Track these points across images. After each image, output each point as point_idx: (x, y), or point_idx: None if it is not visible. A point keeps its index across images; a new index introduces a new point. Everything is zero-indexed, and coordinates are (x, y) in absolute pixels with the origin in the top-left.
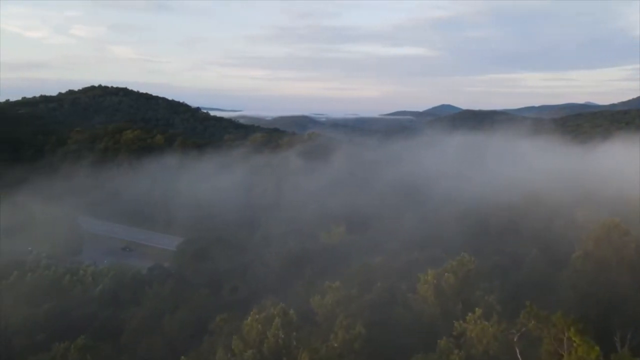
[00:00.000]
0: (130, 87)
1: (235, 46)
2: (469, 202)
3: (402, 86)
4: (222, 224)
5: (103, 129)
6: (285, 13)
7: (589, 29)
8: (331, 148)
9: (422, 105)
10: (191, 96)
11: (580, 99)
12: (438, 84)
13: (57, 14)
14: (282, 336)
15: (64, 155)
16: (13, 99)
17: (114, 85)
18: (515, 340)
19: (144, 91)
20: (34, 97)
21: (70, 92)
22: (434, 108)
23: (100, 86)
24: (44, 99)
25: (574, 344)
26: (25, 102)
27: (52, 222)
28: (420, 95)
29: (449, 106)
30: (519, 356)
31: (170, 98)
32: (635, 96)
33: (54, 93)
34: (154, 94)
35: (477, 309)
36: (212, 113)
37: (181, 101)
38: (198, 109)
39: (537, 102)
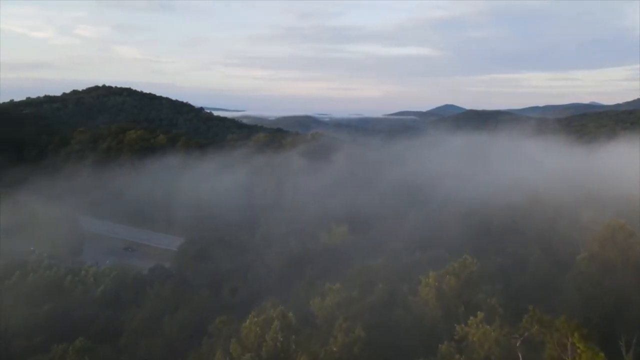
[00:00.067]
0: (134, 87)
1: (239, 46)
2: (472, 203)
3: (405, 86)
4: (224, 224)
5: (106, 129)
6: (288, 13)
7: (593, 29)
8: (334, 148)
9: (425, 106)
10: (195, 96)
11: (584, 99)
12: (441, 84)
13: (61, 14)
14: (281, 339)
15: (67, 155)
16: (17, 99)
17: (118, 86)
18: (517, 345)
19: (148, 91)
20: (38, 97)
21: (74, 92)
22: (438, 108)
23: (104, 86)
24: (48, 99)
25: (578, 350)
26: (29, 102)
27: (54, 222)
28: (424, 95)
29: (453, 106)
30: None
31: (173, 98)
32: None
33: (58, 93)
34: (157, 94)
35: (479, 312)
36: (215, 113)
37: (185, 101)
38: (201, 109)
39: (541, 102)
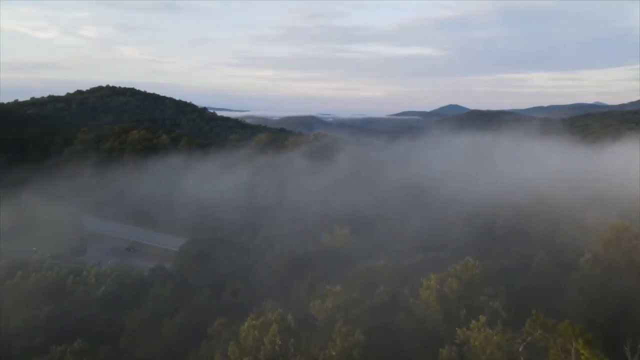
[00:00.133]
0: (137, 87)
1: (243, 46)
2: (475, 203)
3: (409, 86)
4: (226, 225)
5: (109, 129)
6: (292, 13)
7: (597, 29)
8: (336, 148)
9: (429, 106)
10: (198, 96)
11: (589, 99)
12: (445, 84)
13: (65, 14)
14: (279, 343)
15: (70, 155)
16: (22, 99)
17: (122, 86)
18: (520, 350)
19: (152, 91)
20: (42, 98)
21: (78, 92)
22: (442, 108)
23: (108, 86)
24: (52, 99)
25: (582, 357)
26: (33, 102)
27: (57, 222)
28: (428, 96)
29: (457, 106)
30: None
31: (177, 98)
32: None
33: (62, 93)
34: (161, 94)
35: (481, 316)
36: (219, 113)
37: (188, 101)
38: (205, 109)
39: (545, 102)
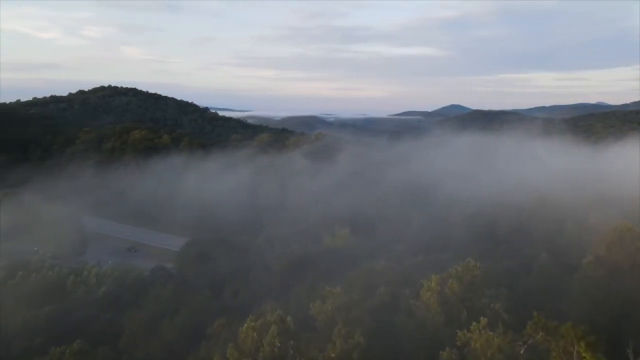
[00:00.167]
0: (139, 88)
1: (245, 46)
2: (477, 204)
3: (410, 86)
4: (227, 225)
5: (111, 129)
6: (294, 13)
7: (600, 28)
8: (338, 148)
9: (431, 106)
10: (200, 96)
11: (591, 99)
12: (447, 84)
13: (68, 15)
14: (279, 345)
15: (71, 155)
16: (24, 99)
17: (124, 86)
18: (521, 352)
19: (154, 91)
20: (45, 98)
21: (81, 92)
22: (443, 108)
23: (110, 86)
24: (54, 99)
25: None
26: (35, 103)
27: (58, 222)
28: (429, 96)
29: (458, 106)
30: None
31: (179, 98)
32: None
33: (65, 93)
34: (163, 94)
35: (482, 318)
36: (221, 113)
37: (190, 101)
38: (206, 109)
39: (547, 102)
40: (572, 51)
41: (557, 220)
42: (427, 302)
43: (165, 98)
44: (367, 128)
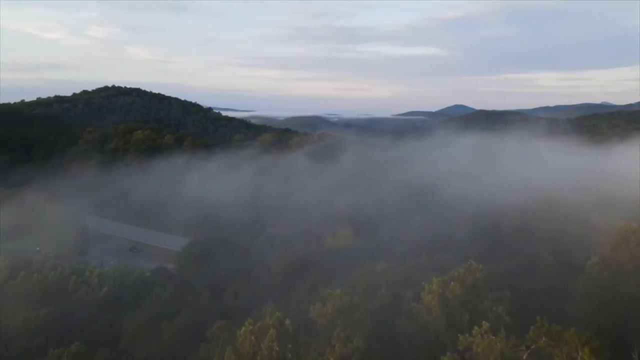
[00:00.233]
0: (143, 88)
1: (249, 46)
2: (480, 204)
3: (414, 86)
4: (229, 225)
5: (114, 129)
6: (298, 13)
7: (604, 28)
8: (341, 148)
9: (434, 106)
10: (204, 96)
11: (596, 99)
12: (451, 84)
13: (73, 15)
14: (277, 348)
15: (74, 155)
16: (28, 99)
17: (128, 86)
18: (524, 358)
19: (157, 91)
20: (49, 98)
21: (84, 92)
22: (447, 108)
23: (113, 86)
24: (58, 99)
25: None
26: (39, 103)
27: (61, 222)
28: (433, 96)
29: (462, 106)
30: None
31: (182, 98)
32: None
33: (69, 93)
34: (166, 94)
35: (484, 322)
36: (225, 113)
37: (193, 101)
38: (210, 109)
39: (551, 102)
40: (576, 51)
41: (561, 221)
42: (429, 305)
43: (169, 98)
44: (370, 128)
